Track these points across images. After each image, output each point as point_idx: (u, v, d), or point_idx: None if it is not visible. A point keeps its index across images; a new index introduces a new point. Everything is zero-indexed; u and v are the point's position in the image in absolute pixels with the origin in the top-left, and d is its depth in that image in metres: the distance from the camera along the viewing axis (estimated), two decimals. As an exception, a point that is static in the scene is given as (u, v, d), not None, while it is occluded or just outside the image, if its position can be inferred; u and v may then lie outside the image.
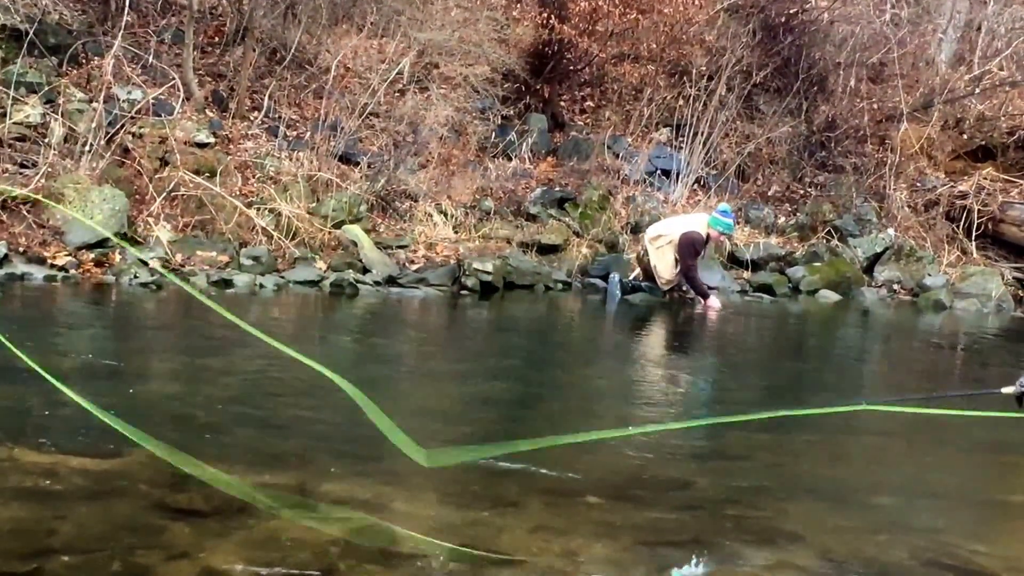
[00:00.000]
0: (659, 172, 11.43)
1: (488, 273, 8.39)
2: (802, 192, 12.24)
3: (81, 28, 9.53)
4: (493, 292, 8.39)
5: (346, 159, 9.66)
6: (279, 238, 8.28)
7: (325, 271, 8.09)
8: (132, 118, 8.58)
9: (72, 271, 7.07)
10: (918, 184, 12.39)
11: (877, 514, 3.27)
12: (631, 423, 4.25)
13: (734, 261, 10.68)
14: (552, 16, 11.22)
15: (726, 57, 11.88)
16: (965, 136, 12.94)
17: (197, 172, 8.40)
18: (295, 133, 9.82)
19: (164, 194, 8.11)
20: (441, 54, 11.00)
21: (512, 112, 11.50)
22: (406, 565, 2.50)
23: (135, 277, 7.09)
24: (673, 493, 3.35)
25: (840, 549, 2.84)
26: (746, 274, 10.50)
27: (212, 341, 5.33)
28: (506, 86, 11.48)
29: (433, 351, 6.23)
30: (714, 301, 8.61)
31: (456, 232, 9.52)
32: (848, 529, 3.04)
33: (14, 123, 8.07)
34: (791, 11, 12.30)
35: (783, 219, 11.69)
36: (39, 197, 7.13)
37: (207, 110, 9.37)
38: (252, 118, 9.73)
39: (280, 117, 9.71)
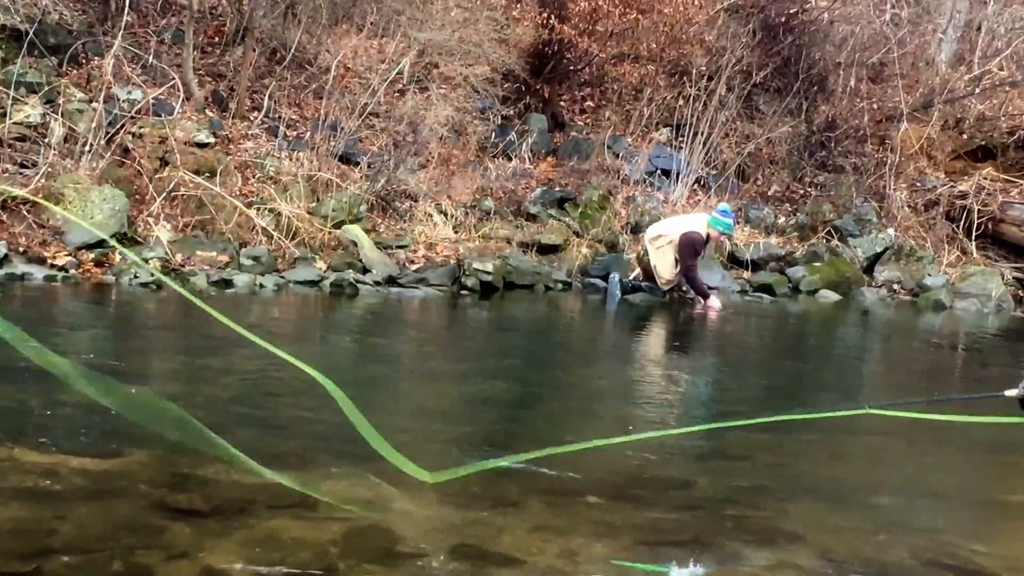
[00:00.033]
0: (659, 172, 11.43)
1: (488, 273, 8.39)
2: (802, 192, 12.24)
3: (81, 28, 9.53)
4: (493, 292, 8.39)
5: (346, 159, 9.66)
6: (279, 238, 8.28)
7: (325, 271, 8.09)
8: (132, 118, 8.58)
9: (72, 271, 7.07)
10: (918, 184, 12.39)
11: (877, 514, 3.27)
12: (631, 423, 4.25)
13: (734, 261, 10.68)
14: (552, 16, 11.22)
15: (726, 57, 11.88)
16: (965, 136, 12.94)
17: (197, 172, 8.40)
18: (295, 133, 9.82)
19: (164, 194, 8.11)
20: (441, 54, 11.01)
21: (512, 112, 11.50)
22: (406, 565, 2.50)
23: (135, 277, 7.09)
24: (673, 493, 3.35)
25: (840, 549, 2.84)
26: (746, 274, 10.50)
27: (212, 341, 5.32)
28: (506, 86, 11.48)
29: (433, 351, 6.23)
30: (714, 301, 8.61)
31: (456, 232, 9.52)
32: (848, 529, 3.04)
33: (14, 123, 8.07)
34: (791, 11, 12.31)
35: (783, 219, 11.69)
36: (30, 196, 7.11)
37: (207, 110, 9.37)
38: (252, 118, 9.73)
39: (280, 117, 9.71)
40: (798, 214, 11.75)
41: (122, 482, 2.93)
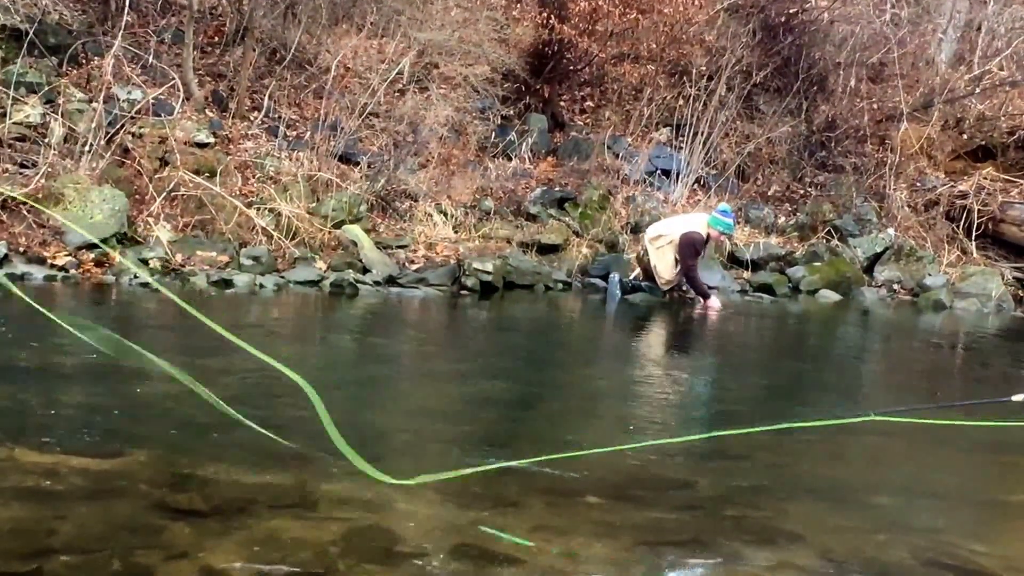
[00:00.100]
0: (659, 172, 11.43)
1: (488, 273, 8.39)
2: (802, 192, 12.24)
3: (81, 28, 9.53)
4: (493, 292, 8.39)
5: (346, 159, 9.66)
6: (279, 238, 8.28)
7: (325, 271, 8.09)
8: (132, 118, 8.59)
9: (72, 271, 7.07)
10: (918, 184, 12.39)
11: (877, 514, 3.26)
12: (632, 424, 4.25)
13: (734, 261, 10.68)
14: (552, 16, 11.22)
15: (726, 57, 11.88)
16: (965, 136, 12.94)
17: (197, 172, 8.41)
18: (295, 133, 9.82)
19: (164, 194, 8.11)
20: (441, 54, 11.01)
21: (512, 112, 11.50)
22: (406, 565, 2.50)
23: (135, 277, 7.09)
24: (673, 493, 3.34)
25: (840, 549, 2.84)
26: (746, 274, 10.50)
27: (212, 341, 5.30)
28: (506, 86, 11.48)
29: (433, 351, 6.23)
30: (714, 301, 8.61)
31: (456, 232, 9.53)
32: (848, 529, 3.04)
33: (14, 123, 8.08)
34: (791, 11, 12.31)
35: (783, 219, 11.69)
36: (20, 197, 7.10)
37: (207, 110, 9.38)
38: (252, 118, 9.73)
39: (280, 117, 9.72)
40: (798, 214, 11.75)
41: (122, 482, 2.92)
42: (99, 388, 4.16)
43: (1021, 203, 11.76)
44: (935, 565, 2.80)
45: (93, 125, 8.22)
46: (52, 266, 7.06)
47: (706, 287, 8.77)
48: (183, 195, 8.22)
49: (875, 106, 12.70)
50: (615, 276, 9.00)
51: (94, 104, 8.38)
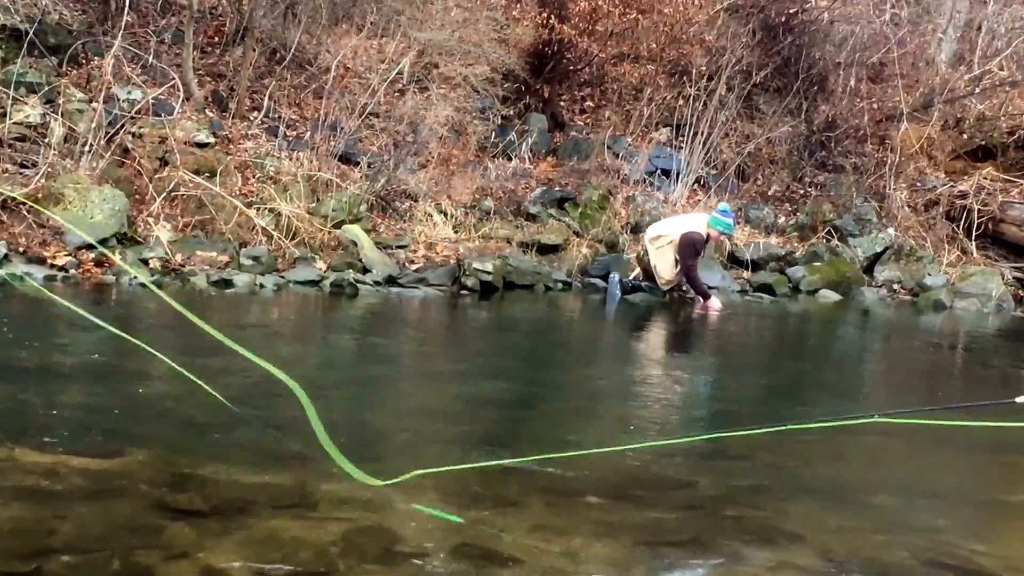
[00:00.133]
0: (659, 172, 11.43)
1: (488, 273, 8.39)
2: (802, 192, 12.24)
3: (81, 28, 9.53)
4: (493, 292, 8.39)
5: (346, 159, 9.66)
6: (279, 238, 8.28)
7: (325, 271, 8.09)
8: (132, 118, 8.59)
9: (72, 271, 7.07)
10: (918, 184, 12.40)
11: (877, 514, 3.27)
12: (632, 424, 4.25)
13: (734, 261, 10.68)
14: (552, 16, 11.22)
15: (726, 57, 11.88)
16: (965, 136, 12.94)
17: (197, 172, 8.41)
18: (295, 133, 9.82)
19: (164, 194, 8.11)
20: (441, 54, 11.01)
21: (512, 112, 11.50)
22: (406, 565, 2.50)
23: (135, 277, 7.08)
24: (673, 493, 3.34)
25: (840, 549, 2.84)
26: (746, 274, 10.50)
27: (212, 341, 5.31)
28: (506, 86, 11.48)
29: (433, 351, 6.23)
30: (714, 301, 8.61)
31: (456, 232, 9.52)
32: (848, 529, 3.04)
33: (14, 123, 8.07)
34: (791, 11, 12.31)
35: (783, 219, 11.69)
36: (20, 197, 7.10)
37: (207, 110, 9.38)
38: (252, 118, 9.73)
39: (280, 117, 9.72)
40: (798, 214, 11.75)
41: (122, 482, 2.92)
42: (99, 388, 4.16)
43: (1021, 203, 11.76)
44: (935, 565, 2.80)
45: (93, 125, 8.22)
46: (52, 266, 7.06)
47: (706, 287, 8.77)
48: (183, 195, 8.22)
49: (875, 106, 12.70)
50: (615, 276, 9.00)
51: (94, 104, 8.38)
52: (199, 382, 3.07)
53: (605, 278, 9.16)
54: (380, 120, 10.18)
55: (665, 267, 8.83)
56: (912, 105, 12.65)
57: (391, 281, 8.24)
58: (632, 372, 5.90)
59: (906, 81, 12.74)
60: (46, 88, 8.50)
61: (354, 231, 8.62)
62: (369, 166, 9.59)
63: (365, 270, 8.28)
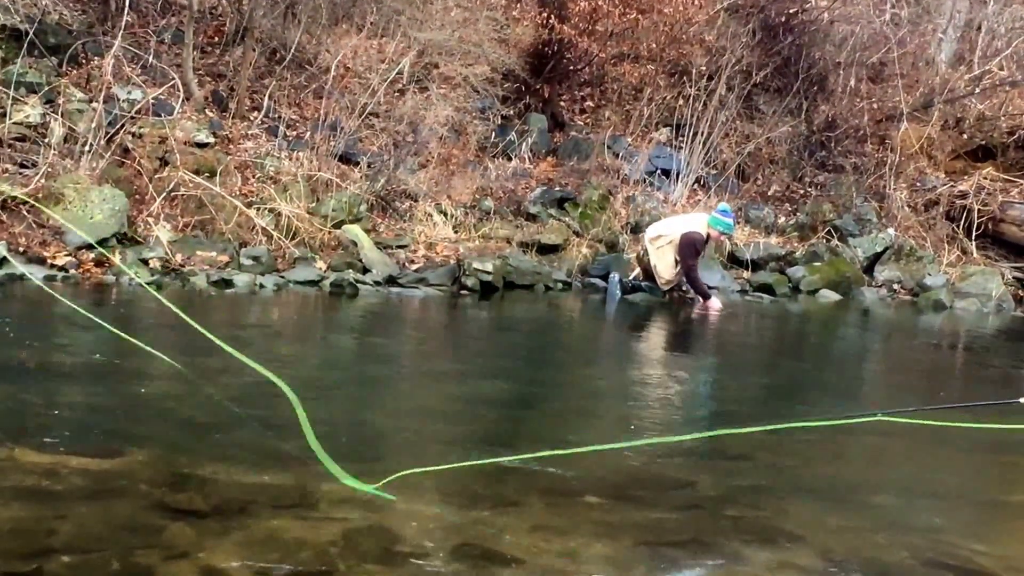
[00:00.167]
0: (659, 172, 11.43)
1: (488, 273, 8.39)
2: (802, 192, 12.25)
3: (81, 28, 9.53)
4: (493, 292, 8.39)
5: (346, 159, 9.66)
6: (279, 238, 8.28)
7: (325, 271, 8.09)
8: (132, 118, 8.58)
9: (72, 271, 7.07)
10: (918, 184, 12.40)
11: (877, 514, 3.27)
12: (632, 424, 4.25)
13: (734, 261, 10.68)
14: (552, 16, 11.22)
15: (726, 57, 11.89)
16: (965, 136, 12.94)
17: (197, 172, 8.41)
18: (295, 133, 9.82)
19: (164, 194, 8.11)
20: (441, 54, 11.01)
21: (512, 112, 11.50)
22: (406, 565, 2.50)
23: (134, 277, 7.09)
24: (673, 493, 3.34)
25: (840, 549, 2.84)
26: (746, 274, 10.50)
27: (212, 341, 5.32)
28: (506, 86, 11.48)
29: (433, 351, 6.23)
30: (714, 301, 8.61)
31: (456, 232, 9.52)
32: (848, 529, 3.04)
33: (14, 123, 8.07)
34: (791, 11, 12.31)
35: (783, 219, 11.69)
36: (24, 196, 7.10)
37: (207, 110, 9.38)
38: (252, 118, 9.74)
39: (280, 117, 9.72)
40: (798, 214, 11.75)
41: (122, 482, 2.93)
42: (99, 388, 4.16)
43: (1021, 203, 11.76)
44: (935, 565, 2.80)
45: (93, 125, 8.22)
46: (52, 266, 7.05)
47: (706, 287, 8.77)
48: (183, 195, 8.22)
49: (875, 106, 12.70)
50: (615, 276, 9.00)
51: (94, 104, 8.38)
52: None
53: (605, 278, 9.16)
54: (380, 120, 10.19)
55: (665, 267, 8.83)
56: (912, 105, 12.65)
57: (391, 281, 8.24)
58: (632, 372, 5.90)
59: (906, 81, 12.74)
60: (46, 88, 8.50)
61: (354, 231, 8.62)
62: (369, 166, 9.59)
63: (365, 270, 8.28)
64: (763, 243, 10.87)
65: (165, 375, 4.49)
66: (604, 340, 7.66)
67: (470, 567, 2.51)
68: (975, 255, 11.55)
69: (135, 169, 8.31)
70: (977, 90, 13.06)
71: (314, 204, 8.83)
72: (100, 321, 3.65)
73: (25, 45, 8.62)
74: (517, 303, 8.38)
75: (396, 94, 10.49)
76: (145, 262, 7.43)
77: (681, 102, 11.75)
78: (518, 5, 12.48)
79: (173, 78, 9.16)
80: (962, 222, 11.74)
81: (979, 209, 11.65)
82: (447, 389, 4.93)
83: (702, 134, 11.46)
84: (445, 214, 9.62)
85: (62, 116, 8.25)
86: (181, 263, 7.57)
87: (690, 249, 8.59)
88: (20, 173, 7.78)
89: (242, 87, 9.73)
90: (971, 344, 8.49)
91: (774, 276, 10.36)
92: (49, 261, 7.10)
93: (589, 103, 12.72)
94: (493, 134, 10.92)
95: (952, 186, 12.09)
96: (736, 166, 11.82)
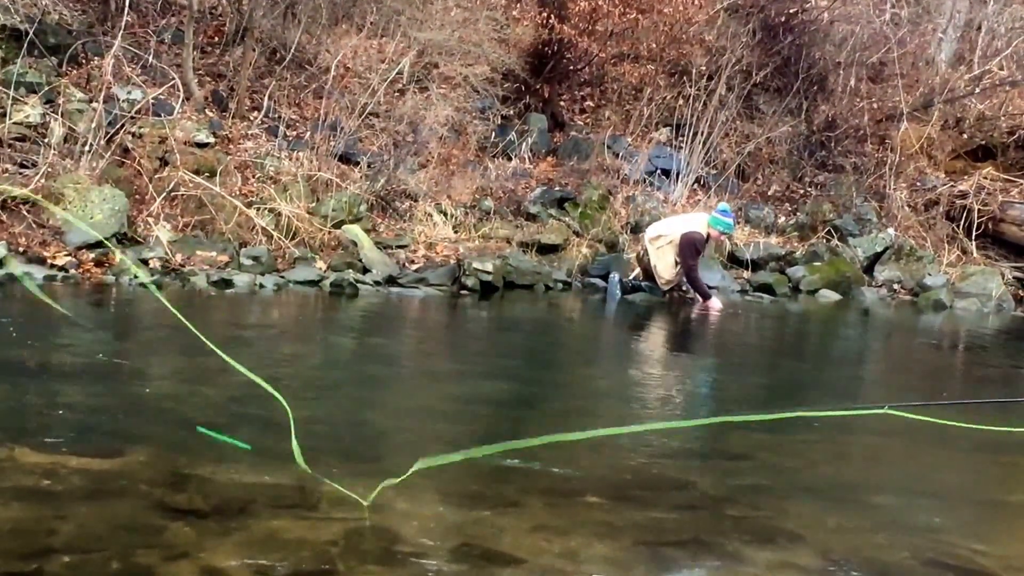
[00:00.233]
0: (659, 172, 11.44)
1: (488, 273, 8.39)
2: (802, 192, 12.25)
3: (81, 28, 9.54)
4: (493, 292, 8.39)
5: (346, 159, 9.67)
6: (279, 238, 8.28)
7: (325, 271, 8.09)
8: (132, 118, 8.59)
9: (72, 271, 7.07)
10: (918, 184, 12.40)
11: (877, 514, 3.26)
12: (632, 423, 4.24)
13: (734, 261, 10.68)
14: (552, 16, 11.23)
15: (726, 57, 11.89)
16: (965, 136, 12.95)
17: (197, 172, 8.41)
18: (295, 133, 9.82)
19: (164, 194, 8.11)
20: (441, 54, 11.01)
21: (512, 112, 11.51)
22: (406, 565, 2.50)
23: (135, 277, 7.09)
24: (673, 493, 3.34)
25: (840, 549, 2.84)
26: (746, 274, 10.50)
27: (212, 341, 5.32)
28: (506, 86, 11.49)
29: (433, 351, 6.23)
30: (715, 301, 8.61)
31: (456, 232, 9.53)
32: (848, 529, 3.04)
33: (14, 123, 8.08)
34: (791, 11, 12.32)
35: (783, 219, 11.70)
36: (31, 195, 7.11)
37: (207, 110, 9.38)
38: (252, 118, 9.74)
39: (280, 117, 9.72)
40: (798, 214, 11.75)
41: (122, 482, 2.92)
42: (99, 388, 4.15)
43: (1021, 203, 11.76)
44: (935, 565, 2.80)
45: (93, 125, 8.22)
46: (52, 266, 7.06)
47: (706, 287, 8.78)
48: (183, 195, 8.23)
49: (875, 106, 12.71)
50: (615, 276, 9.00)
51: (94, 104, 8.38)
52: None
53: (605, 278, 9.16)
54: (380, 120, 10.19)
55: (665, 267, 8.83)
56: (912, 105, 12.66)
57: (391, 281, 8.24)
58: (632, 372, 5.90)
59: (906, 81, 12.75)
60: (46, 88, 8.51)
61: (354, 231, 8.62)
62: (369, 166, 9.59)
63: (365, 270, 8.28)
64: (763, 243, 10.87)
65: (165, 375, 4.49)
66: (604, 340, 7.66)
67: (470, 567, 2.51)
68: (975, 255, 11.56)
69: (135, 169, 8.32)
70: (977, 90, 13.07)
71: (314, 204, 8.83)
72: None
73: (25, 45, 8.62)
74: (517, 303, 8.38)
75: (396, 94, 10.49)
76: (145, 262, 7.43)
77: (681, 102, 11.76)
78: (518, 5, 12.48)
79: (173, 78, 9.17)
80: (962, 222, 11.75)
81: (979, 209, 11.66)
82: (447, 389, 4.93)
83: (702, 134, 11.47)
84: (445, 214, 9.62)
85: (62, 116, 8.26)
86: (181, 263, 7.58)
87: (690, 249, 8.59)
88: (20, 173, 7.78)
89: (242, 87, 9.73)
90: (971, 344, 8.48)
91: (774, 276, 10.37)
92: (49, 261, 7.11)
93: (589, 103, 12.73)
94: (493, 134, 10.92)
95: (952, 186, 12.09)
96: (736, 166, 11.83)
